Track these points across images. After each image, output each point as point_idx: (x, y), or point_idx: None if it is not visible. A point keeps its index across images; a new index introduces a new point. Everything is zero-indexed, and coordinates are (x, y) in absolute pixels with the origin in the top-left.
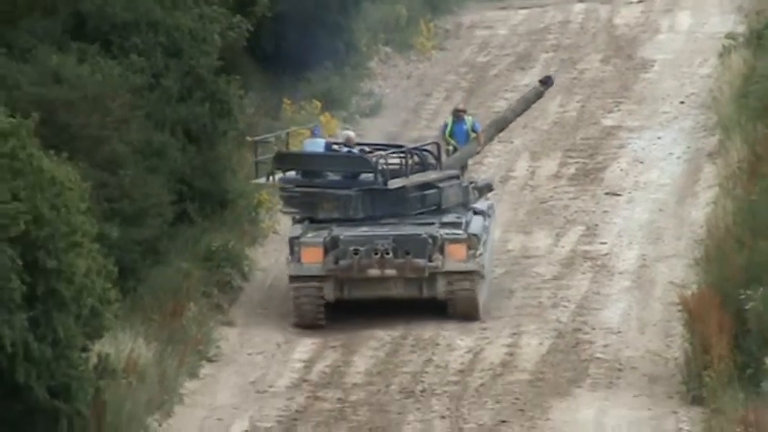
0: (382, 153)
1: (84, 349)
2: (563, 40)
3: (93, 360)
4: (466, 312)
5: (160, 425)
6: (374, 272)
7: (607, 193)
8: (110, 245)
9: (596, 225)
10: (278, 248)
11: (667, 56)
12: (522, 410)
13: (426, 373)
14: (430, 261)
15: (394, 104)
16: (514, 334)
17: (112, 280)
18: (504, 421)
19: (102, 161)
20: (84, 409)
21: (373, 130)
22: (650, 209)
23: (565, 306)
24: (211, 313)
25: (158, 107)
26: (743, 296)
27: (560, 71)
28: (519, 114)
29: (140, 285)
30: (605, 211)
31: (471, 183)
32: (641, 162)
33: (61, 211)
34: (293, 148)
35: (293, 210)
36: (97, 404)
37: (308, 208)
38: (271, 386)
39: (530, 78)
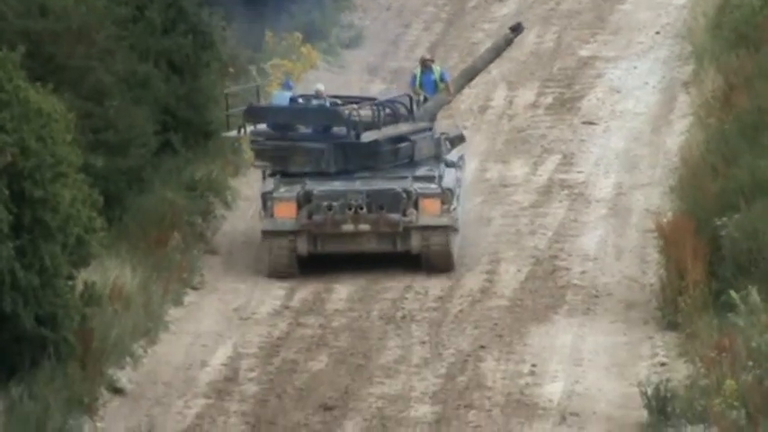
0: (354, 105)
1: (71, 277)
2: None
3: (80, 288)
4: (440, 265)
5: (146, 351)
6: (348, 227)
7: (584, 123)
8: (95, 175)
9: (573, 154)
10: (260, 178)
11: None
12: (500, 336)
13: (406, 299)
14: (404, 216)
15: (374, 36)
16: (493, 261)
17: (98, 209)
18: (482, 346)
19: (87, 92)
20: (70, 336)
21: (354, 62)
22: (626, 137)
23: (542, 233)
24: (195, 242)
25: (142, 39)
26: (718, 223)
27: (537, 2)
28: (489, 62)
29: (125, 214)
30: (582, 140)
31: (443, 134)
32: (617, 91)
33: (47, 141)
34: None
35: (264, 163)
36: (83, 331)
37: (279, 162)
38: (254, 313)
39: (507, 10)
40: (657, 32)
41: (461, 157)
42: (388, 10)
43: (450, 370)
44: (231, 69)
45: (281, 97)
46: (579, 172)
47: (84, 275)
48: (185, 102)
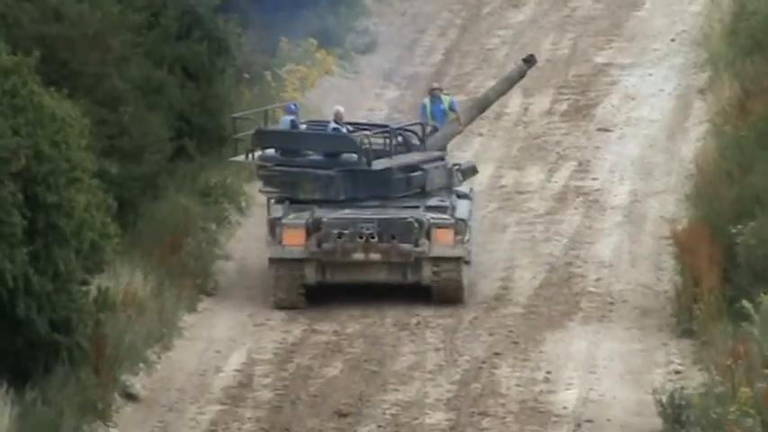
0: (366, 132)
1: (84, 283)
2: None
3: (93, 293)
4: (451, 297)
5: (159, 357)
6: (358, 256)
7: (599, 129)
8: (109, 180)
9: (588, 161)
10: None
11: None
12: (515, 343)
13: (421, 306)
14: (416, 246)
15: (389, 41)
16: (508, 268)
17: (112, 215)
18: (497, 353)
19: (102, 98)
20: (84, 341)
21: (368, 68)
22: (641, 144)
23: (557, 240)
24: (209, 248)
25: (157, 45)
26: (733, 230)
27: (552, 9)
28: (502, 94)
29: (139, 220)
30: (597, 147)
31: (455, 165)
32: (632, 98)
33: (62, 147)
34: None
35: (273, 189)
36: (97, 337)
37: (288, 188)
38: (268, 319)
39: (523, 16)
40: (673, 39)
41: (472, 190)
42: (402, 16)
43: (464, 377)
44: (246, 75)
45: (284, 122)
46: (594, 179)
47: (97, 281)
48: (200, 108)
